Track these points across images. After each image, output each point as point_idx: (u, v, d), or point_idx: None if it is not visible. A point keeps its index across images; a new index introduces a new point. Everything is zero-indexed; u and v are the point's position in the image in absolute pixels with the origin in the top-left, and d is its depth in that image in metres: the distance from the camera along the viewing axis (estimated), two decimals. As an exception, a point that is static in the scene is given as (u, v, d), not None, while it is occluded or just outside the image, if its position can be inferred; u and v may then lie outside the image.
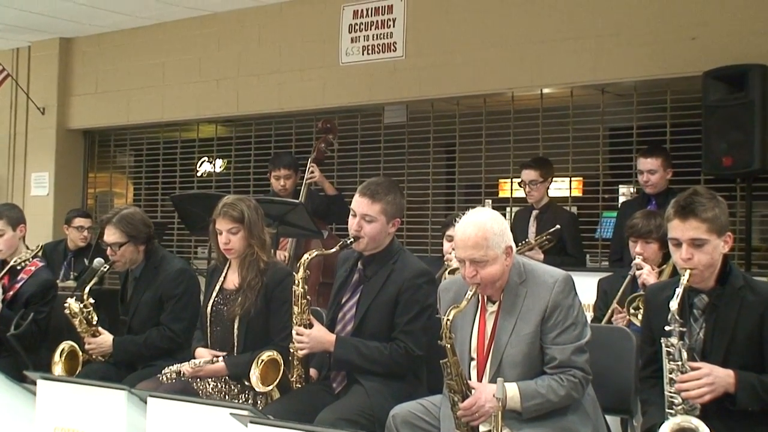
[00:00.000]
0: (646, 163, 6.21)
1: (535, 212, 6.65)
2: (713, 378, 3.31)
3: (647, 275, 4.87)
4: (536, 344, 3.73)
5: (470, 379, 3.78)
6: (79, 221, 8.00)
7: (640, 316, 4.71)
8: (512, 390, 3.64)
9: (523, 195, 6.73)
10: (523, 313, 3.75)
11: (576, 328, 3.73)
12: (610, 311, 5.03)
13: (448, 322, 3.66)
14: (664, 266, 4.98)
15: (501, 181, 8.61)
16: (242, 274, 4.58)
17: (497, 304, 3.83)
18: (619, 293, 5.04)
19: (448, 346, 3.67)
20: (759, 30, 6.48)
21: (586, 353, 3.73)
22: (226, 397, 4.42)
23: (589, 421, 3.77)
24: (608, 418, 3.98)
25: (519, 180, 6.74)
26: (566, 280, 3.77)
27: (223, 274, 4.71)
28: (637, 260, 4.98)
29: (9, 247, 5.69)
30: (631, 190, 7.73)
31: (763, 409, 3.35)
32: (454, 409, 3.71)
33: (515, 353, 3.73)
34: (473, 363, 3.83)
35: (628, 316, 4.88)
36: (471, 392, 3.69)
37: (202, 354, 4.54)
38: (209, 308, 4.65)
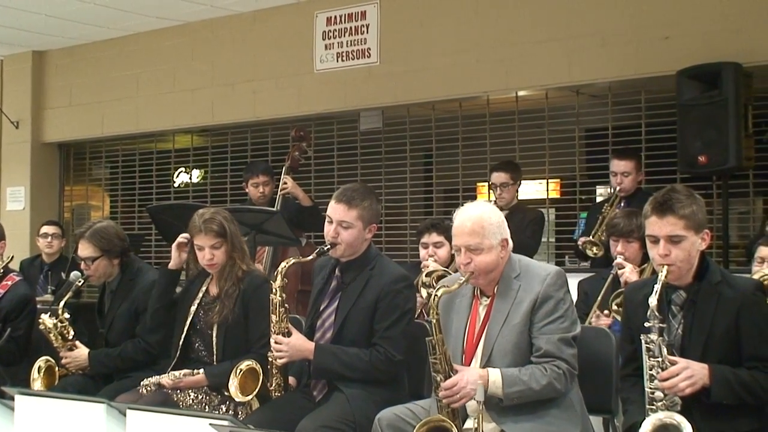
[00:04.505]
0: (620, 165, 6.26)
1: (504, 213, 6.61)
2: (691, 371, 3.31)
3: (629, 274, 4.84)
4: (525, 334, 3.76)
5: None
6: (43, 229, 7.91)
7: None
8: (495, 375, 3.67)
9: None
10: (515, 304, 3.79)
11: (565, 321, 3.76)
12: (592, 313, 5.02)
13: (437, 298, 3.72)
14: (645, 265, 4.97)
15: (479, 184, 8.62)
16: (220, 284, 4.58)
17: (490, 297, 3.86)
18: (601, 294, 5.03)
19: (434, 321, 3.71)
20: (732, 28, 6.51)
21: (573, 348, 3.75)
22: (207, 408, 4.39)
23: (578, 419, 3.77)
24: (590, 417, 3.98)
25: (489, 182, 6.72)
26: (559, 274, 3.84)
27: (205, 285, 4.69)
28: (619, 260, 4.97)
29: None
30: (609, 190, 7.73)
31: (738, 403, 3.36)
32: (436, 391, 3.71)
33: (505, 343, 3.76)
34: (463, 356, 3.84)
35: (611, 315, 4.86)
36: (454, 373, 3.70)
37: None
38: (190, 318, 4.62)
